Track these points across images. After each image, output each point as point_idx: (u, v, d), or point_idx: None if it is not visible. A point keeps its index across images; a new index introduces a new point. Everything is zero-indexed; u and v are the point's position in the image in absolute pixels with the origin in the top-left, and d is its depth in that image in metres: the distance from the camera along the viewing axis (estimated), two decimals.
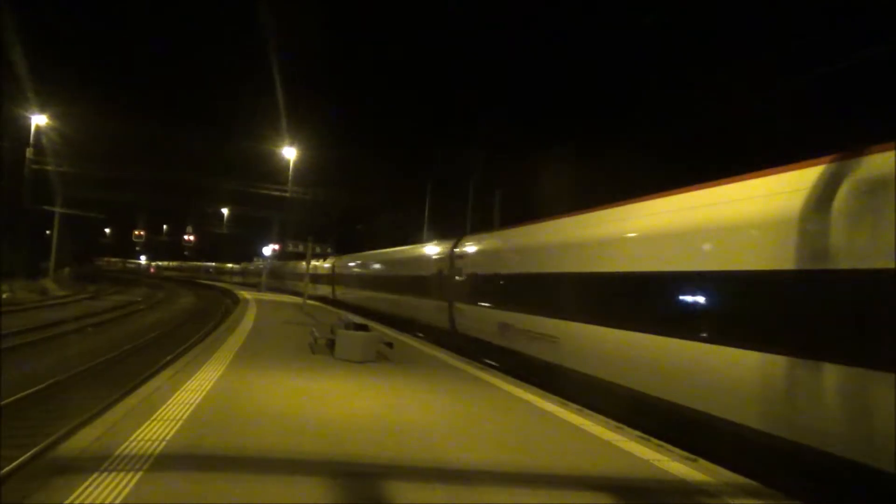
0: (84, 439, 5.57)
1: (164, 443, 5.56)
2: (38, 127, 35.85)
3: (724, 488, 5.50)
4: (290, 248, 28.86)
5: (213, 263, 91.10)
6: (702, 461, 6.36)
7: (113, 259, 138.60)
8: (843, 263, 5.70)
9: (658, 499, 5.22)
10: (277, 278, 52.62)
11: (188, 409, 6.89)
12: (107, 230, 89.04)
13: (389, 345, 13.38)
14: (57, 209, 45.51)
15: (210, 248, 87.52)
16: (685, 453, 6.63)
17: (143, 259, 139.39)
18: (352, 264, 31.84)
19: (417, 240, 27.87)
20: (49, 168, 38.22)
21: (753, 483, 5.72)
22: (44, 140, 36.92)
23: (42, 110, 35.88)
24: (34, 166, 35.21)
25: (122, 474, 4.65)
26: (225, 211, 59.04)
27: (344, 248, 39.92)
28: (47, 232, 49.74)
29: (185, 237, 65.43)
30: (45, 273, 44.05)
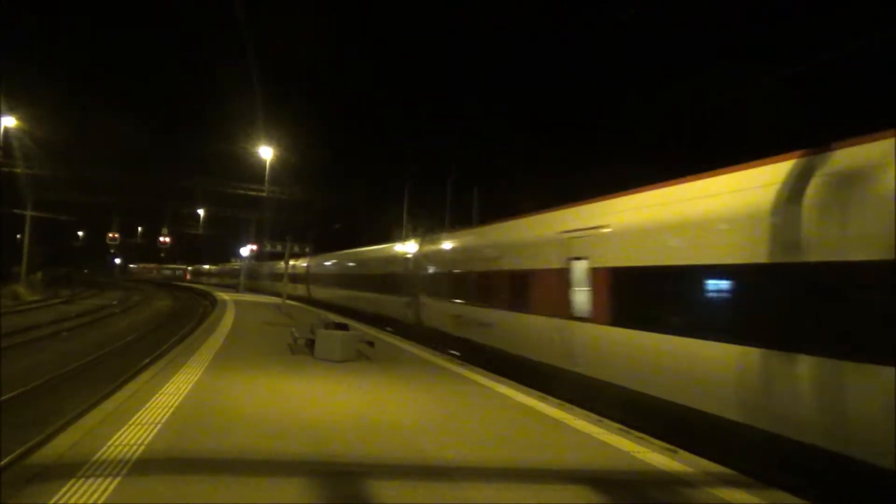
0: (61, 445, 5.48)
1: (143, 447, 5.49)
2: (6, 128, 35.05)
3: (703, 478, 5.58)
4: (268, 247, 29.46)
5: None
6: (681, 452, 6.43)
7: (147, 265, 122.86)
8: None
9: (639, 489, 5.27)
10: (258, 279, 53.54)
11: (167, 412, 6.81)
12: (80, 233, 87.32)
13: (370, 343, 13.34)
14: (27, 212, 44.63)
15: (187, 249, 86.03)
16: (665, 444, 6.71)
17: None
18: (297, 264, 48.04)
19: (396, 238, 28.37)
20: (18, 171, 37.46)
21: (732, 472, 5.80)
22: (13, 142, 36.15)
23: (10, 111, 35.06)
24: (3, 169, 34.46)
25: (100, 479, 4.58)
26: (201, 212, 58.39)
27: (323, 247, 40.24)
28: (17, 236, 48.80)
29: (161, 239, 64.55)
30: (16, 278, 43.17)
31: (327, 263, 33.36)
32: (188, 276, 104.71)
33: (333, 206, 44.37)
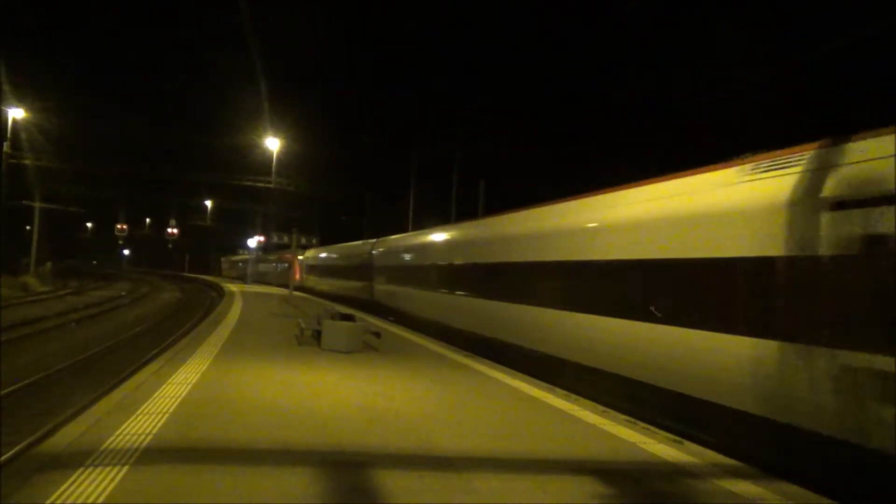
0: (69, 435, 5.51)
1: (150, 436, 5.52)
2: (15, 121, 35.18)
3: (709, 469, 5.57)
4: (275, 239, 29.81)
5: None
6: (688, 443, 6.43)
7: (237, 257, 73.09)
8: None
9: (645, 480, 5.27)
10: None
11: (175, 403, 6.84)
12: (88, 225, 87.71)
13: (377, 334, 13.37)
14: (37, 204, 44.86)
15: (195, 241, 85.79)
16: (671, 436, 6.70)
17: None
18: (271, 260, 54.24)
19: (403, 230, 28.57)
20: (27, 162, 37.61)
21: (738, 463, 5.79)
22: (22, 134, 36.29)
23: (19, 104, 35.15)
24: (11, 160, 34.61)
25: (107, 469, 4.61)
26: (208, 203, 58.64)
27: (329, 239, 40.77)
28: (27, 227, 49.08)
29: (169, 230, 65.00)
30: (25, 269, 43.46)
31: (321, 255, 39.53)
32: (298, 276, 41.94)
33: (340, 198, 44.49)
